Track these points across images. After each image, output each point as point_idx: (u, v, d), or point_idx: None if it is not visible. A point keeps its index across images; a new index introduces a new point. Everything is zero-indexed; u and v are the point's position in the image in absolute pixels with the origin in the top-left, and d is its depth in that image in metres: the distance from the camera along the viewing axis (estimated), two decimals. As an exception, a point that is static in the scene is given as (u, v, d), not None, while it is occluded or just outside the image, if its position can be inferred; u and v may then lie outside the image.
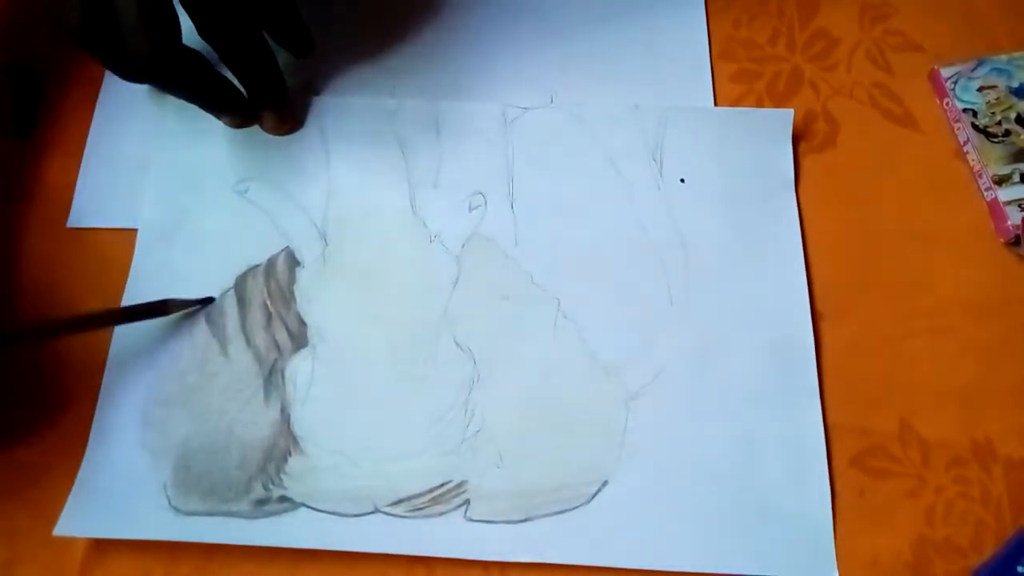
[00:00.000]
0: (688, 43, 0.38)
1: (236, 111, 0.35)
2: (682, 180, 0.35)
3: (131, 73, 0.30)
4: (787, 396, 0.31)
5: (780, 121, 0.36)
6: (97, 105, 0.37)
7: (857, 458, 0.31)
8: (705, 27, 0.39)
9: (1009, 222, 0.34)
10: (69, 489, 0.30)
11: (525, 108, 0.36)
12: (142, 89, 0.37)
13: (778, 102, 0.37)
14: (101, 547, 0.30)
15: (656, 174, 0.35)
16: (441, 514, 0.29)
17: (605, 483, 0.30)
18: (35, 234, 0.35)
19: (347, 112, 0.36)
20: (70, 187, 0.36)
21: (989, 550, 0.29)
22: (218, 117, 0.35)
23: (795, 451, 0.31)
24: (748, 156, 0.36)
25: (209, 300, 0.32)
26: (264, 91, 0.35)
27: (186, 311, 0.32)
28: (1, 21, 0.38)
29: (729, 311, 0.33)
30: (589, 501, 0.30)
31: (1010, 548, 0.29)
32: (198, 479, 0.30)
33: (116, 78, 0.33)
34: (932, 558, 0.29)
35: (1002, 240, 0.34)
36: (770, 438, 0.31)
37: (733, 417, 0.31)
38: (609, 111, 0.36)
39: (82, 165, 0.36)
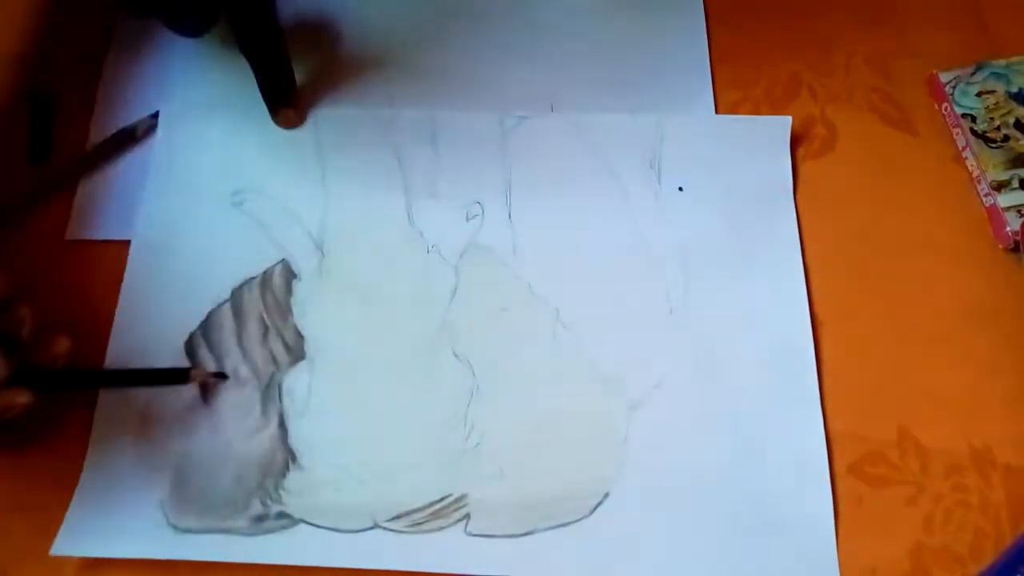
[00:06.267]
0: (688, 50, 0.40)
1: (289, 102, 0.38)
2: (680, 188, 0.37)
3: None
4: (788, 403, 0.33)
5: (778, 128, 0.38)
6: (93, 120, 0.39)
7: (855, 465, 0.32)
8: (705, 34, 0.41)
9: (1008, 228, 0.35)
10: (65, 505, 0.31)
11: (522, 117, 0.38)
12: (137, 106, 0.39)
13: (776, 107, 0.39)
14: (97, 565, 0.31)
15: (654, 182, 0.37)
16: (441, 529, 0.31)
17: (606, 495, 0.31)
18: (34, 245, 0.36)
19: (343, 123, 0.38)
20: (69, 199, 0.37)
21: (988, 558, 0.30)
22: (260, 81, 0.37)
23: (797, 459, 0.32)
24: (746, 163, 0.37)
25: (222, 375, 0.33)
26: (280, 91, 0.37)
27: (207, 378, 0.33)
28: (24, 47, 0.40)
29: (729, 319, 0.34)
30: (590, 514, 0.31)
31: (1011, 555, 0.30)
32: (195, 495, 0.31)
33: (112, 98, 0.37)
34: (930, 566, 0.30)
35: (1001, 246, 0.36)
36: (771, 446, 0.32)
37: (734, 426, 0.32)
38: (606, 120, 0.38)
39: (81, 175, 0.38)
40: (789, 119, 0.38)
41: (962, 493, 0.32)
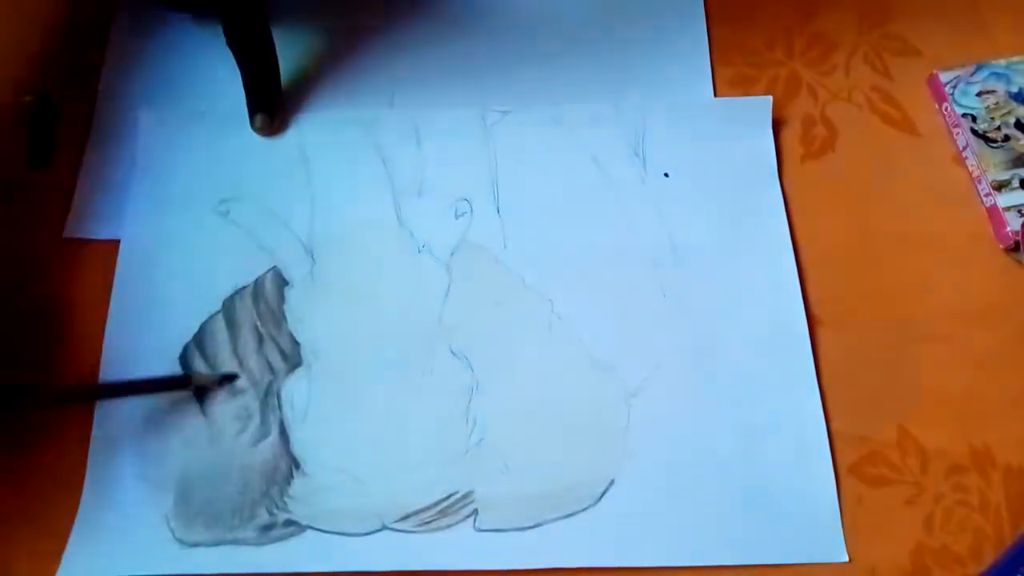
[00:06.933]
0: (689, 50, 0.41)
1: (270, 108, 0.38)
2: (666, 174, 0.38)
3: None
4: (785, 381, 0.34)
5: (759, 108, 0.39)
6: (93, 122, 0.39)
7: (855, 466, 0.33)
8: (705, 34, 0.41)
9: (1008, 228, 0.36)
10: (67, 527, 0.31)
11: (505, 111, 0.39)
12: (136, 107, 0.39)
13: (776, 107, 0.39)
14: None
15: (640, 169, 0.38)
16: (450, 526, 0.31)
17: (612, 482, 0.32)
18: (32, 243, 0.37)
19: (325, 126, 0.39)
20: (68, 197, 0.38)
21: (988, 558, 0.31)
22: (247, 77, 0.38)
23: (797, 436, 0.33)
24: (730, 145, 0.38)
25: (233, 377, 0.34)
26: (263, 92, 0.38)
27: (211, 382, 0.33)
28: (23, 52, 0.41)
29: (722, 301, 0.35)
30: (597, 502, 0.32)
31: (1011, 555, 0.31)
32: (200, 508, 0.32)
33: (111, 100, 0.38)
34: (930, 566, 0.31)
35: (1001, 246, 0.37)
36: (771, 424, 0.33)
37: (733, 406, 0.33)
38: (588, 110, 0.39)
39: (80, 175, 0.38)
40: (769, 99, 0.39)
41: (962, 493, 0.33)
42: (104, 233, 0.37)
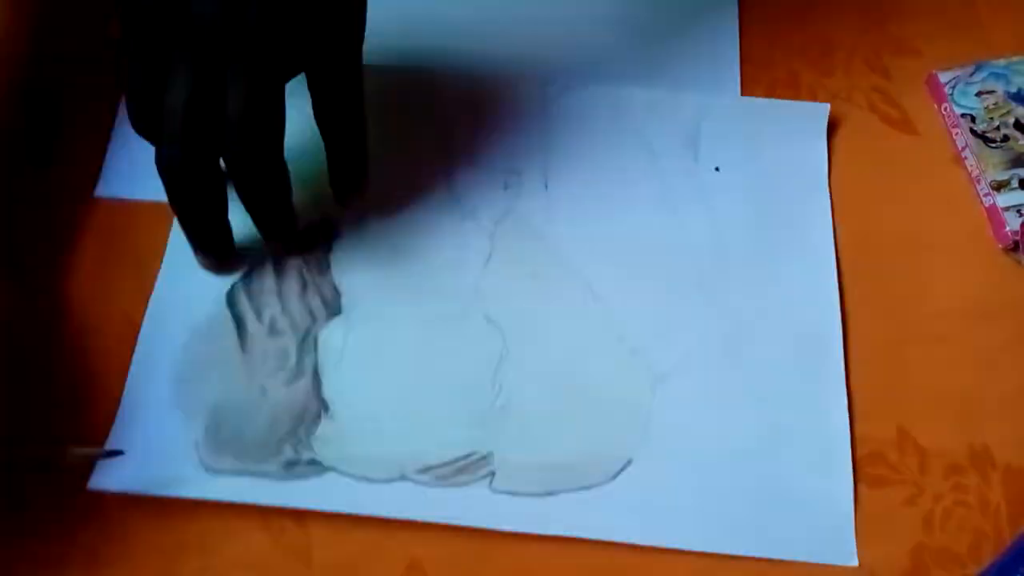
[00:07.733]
0: (718, 43, 0.37)
1: (217, 257, 0.30)
2: (717, 169, 0.33)
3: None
4: (813, 385, 0.29)
5: (815, 115, 0.33)
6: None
7: (855, 466, 0.27)
8: (737, 25, 0.37)
9: (1007, 228, 0.30)
10: (101, 443, 0.27)
11: (565, 86, 0.34)
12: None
13: (776, 105, 0.31)
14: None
15: (691, 161, 0.33)
16: (466, 484, 0.28)
17: (629, 462, 0.28)
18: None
19: (384, 83, 0.33)
20: (99, 156, 0.33)
21: (987, 558, 0.25)
22: (195, 251, 0.30)
23: (820, 439, 0.28)
24: (782, 148, 0.33)
25: (117, 452, 0.28)
26: (274, 229, 0.31)
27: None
28: (21, 40, 0.34)
29: (758, 300, 0.30)
30: (612, 479, 0.28)
31: (1010, 555, 0.25)
32: (229, 439, 0.29)
33: None
34: (930, 566, 0.26)
35: (1000, 246, 0.30)
36: (795, 425, 0.28)
37: (758, 403, 0.28)
38: (646, 96, 0.34)
39: (114, 131, 0.33)
40: (827, 106, 0.33)
41: (961, 493, 0.27)
42: (138, 194, 0.34)
